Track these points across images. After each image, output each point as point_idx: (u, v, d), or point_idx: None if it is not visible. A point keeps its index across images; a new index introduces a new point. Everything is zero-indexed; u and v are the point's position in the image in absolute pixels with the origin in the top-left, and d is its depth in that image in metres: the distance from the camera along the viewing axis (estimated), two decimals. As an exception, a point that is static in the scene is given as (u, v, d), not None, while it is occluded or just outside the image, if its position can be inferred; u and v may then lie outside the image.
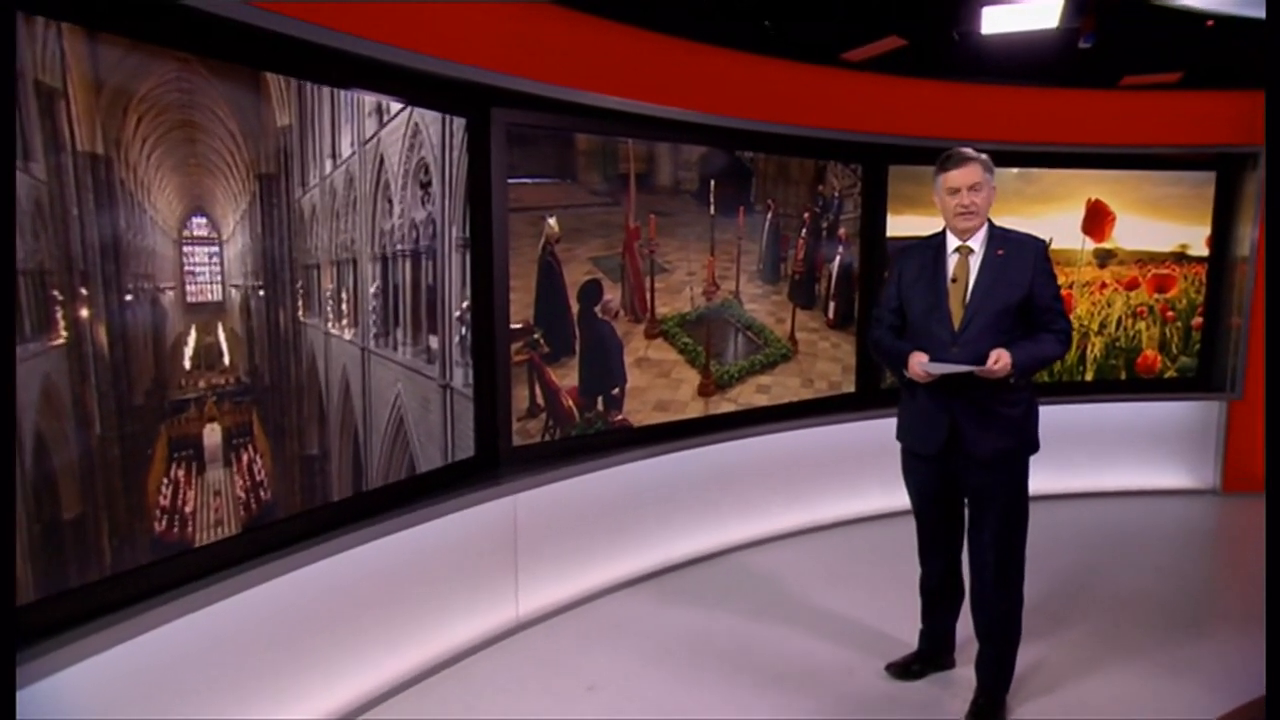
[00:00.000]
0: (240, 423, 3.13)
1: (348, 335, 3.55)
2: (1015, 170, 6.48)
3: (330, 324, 3.46)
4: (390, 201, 3.70)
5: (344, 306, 3.52)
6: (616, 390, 4.92)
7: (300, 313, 3.34)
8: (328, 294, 3.44)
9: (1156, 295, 6.78)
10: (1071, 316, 6.37)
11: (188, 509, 2.97)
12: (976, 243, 3.59)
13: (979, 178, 3.53)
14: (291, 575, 3.29)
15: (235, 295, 3.08)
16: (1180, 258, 6.77)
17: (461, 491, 4.06)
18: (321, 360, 3.44)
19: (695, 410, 5.31)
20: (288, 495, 3.35)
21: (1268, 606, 2.63)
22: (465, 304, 4.16)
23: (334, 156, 3.42)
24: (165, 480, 2.87)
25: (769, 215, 5.58)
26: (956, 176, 3.54)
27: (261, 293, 3.18)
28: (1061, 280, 6.47)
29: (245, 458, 3.16)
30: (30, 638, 2.57)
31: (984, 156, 3.57)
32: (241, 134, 3.06)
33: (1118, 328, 6.78)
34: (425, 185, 3.88)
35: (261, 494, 3.24)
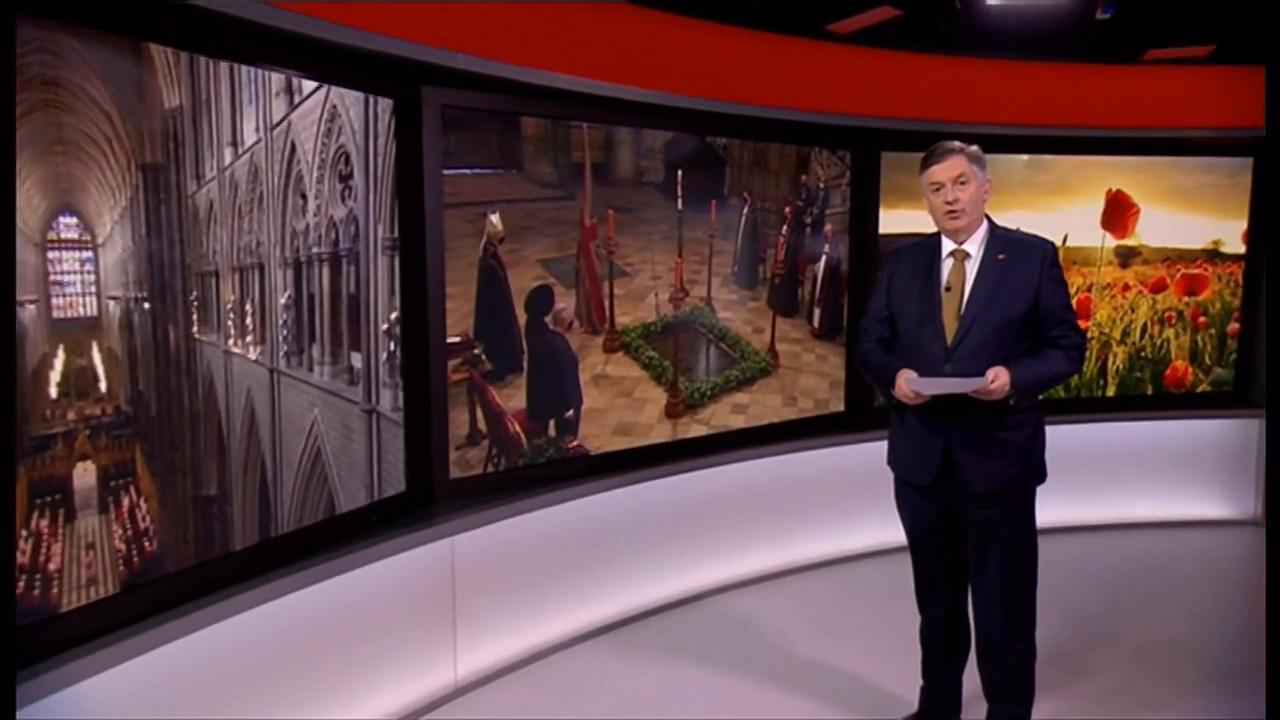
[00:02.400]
0: (120, 460, 3.05)
1: (253, 354, 3.50)
2: (1025, 157, 6.51)
3: (232, 341, 3.41)
4: (304, 197, 3.67)
5: (248, 320, 3.48)
6: (571, 412, 4.91)
7: (195, 329, 3.28)
8: (228, 306, 3.39)
9: (1187, 298, 6.80)
10: (1090, 323, 6.57)
11: (52, 566, 2.87)
12: (974, 245, 3.62)
13: (964, 169, 3.56)
14: (183, 641, 3.19)
15: (114, 309, 3.00)
16: (1213, 255, 6.79)
17: (390, 533, 4.02)
18: (221, 384, 3.39)
19: (662, 434, 5.31)
20: (179, 546, 3.27)
21: (1268, 614, 2.71)
22: (394, 315, 4.14)
23: (235, 144, 3.38)
24: (24, 532, 2.78)
25: (745, 210, 5.59)
26: (938, 171, 3.59)
27: (147, 305, 3.11)
28: (1079, 282, 6.59)
29: (126, 502, 3.07)
30: None
31: (971, 148, 3.61)
32: (120, 116, 2.99)
33: (1143, 336, 6.79)
34: (346, 177, 3.85)
35: (146, 545, 3.15)
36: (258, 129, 3.46)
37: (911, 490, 3.77)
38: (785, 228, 5.80)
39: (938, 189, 3.58)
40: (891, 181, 6.20)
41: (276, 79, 3.53)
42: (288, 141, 3.58)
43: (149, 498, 3.14)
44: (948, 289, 3.60)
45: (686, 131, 5.27)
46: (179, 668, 3.24)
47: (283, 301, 3.61)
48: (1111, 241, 6.66)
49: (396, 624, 4.15)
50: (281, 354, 3.61)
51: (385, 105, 4.02)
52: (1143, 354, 6.81)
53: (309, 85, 3.66)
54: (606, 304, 5.01)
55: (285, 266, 3.61)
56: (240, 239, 3.42)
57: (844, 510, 6.12)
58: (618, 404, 5.10)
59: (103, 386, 2.99)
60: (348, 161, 3.85)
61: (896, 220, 6.19)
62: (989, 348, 3.50)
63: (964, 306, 3.56)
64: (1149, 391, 6.85)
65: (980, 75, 6.25)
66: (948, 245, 3.64)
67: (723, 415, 5.61)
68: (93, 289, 2.94)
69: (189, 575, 3.30)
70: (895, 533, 4.01)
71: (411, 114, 4.16)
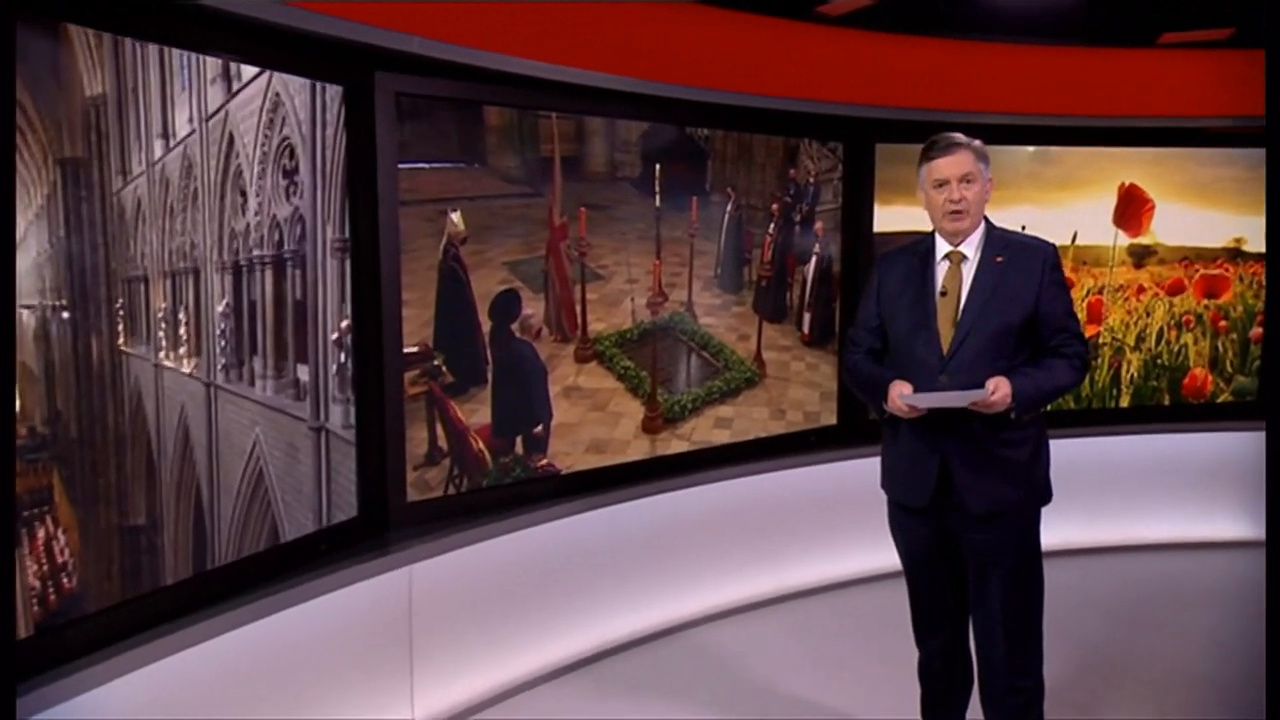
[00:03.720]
0: (35, 488, 2.99)
1: (187, 368, 3.46)
2: (1031, 149, 6.52)
3: (163, 354, 3.37)
4: (243, 194, 3.64)
5: (182, 330, 3.44)
6: (539, 428, 4.91)
7: (121, 340, 3.23)
8: (159, 315, 3.35)
9: (1206, 301, 6.81)
10: (1102, 328, 6.61)
11: (-43, 606, 2.79)
12: (970, 247, 3.62)
13: (971, 167, 3.55)
14: (106, 687, 3.11)
15: (29, 319, 2.94)
16: (1234, 254, 6.80)
17: (340, 563, 3.99)
18: (151, 401, 3.34)
19: (639, 451, 5.32)
20: (102, 582, 3.21)
21: (1268, 618, 2.81)
22: (345, 324, 4.12)
23: (166, 136, 3.34)
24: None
25: (729, 207, 5.60)
26: (943, 166, 3.56)
27: (66, 315, 3.06)
28: (1090, 284, 6.62)
29: (42, 534, 3.00)
30: None
31: (976, 142, 3.60)
32: (35, 104, 2.93)
33: (1159, 341, 6.80)
34: (290, 173, 3.83)
35: (64, 581, 3.09)
36: (191, 119, 3.42)
37: (906, 514, 3.76)
38: (772, 226, 5.81)
39: (941, 186, 3.56)
40: (887, 175, 6.18)
41: (212, 64, 3.49)
42: (225, 133, 3.55)
43: (68, 529, 3.08)
44: (943, 294, 3.59)
45: (665, 122, 5.27)
46: (110, 716, 3.17)
47: (220, 309, 3.57)
48: (1125, 240, 6.66)
49: (347, 663, 4.10)
50: (219, 367, 3.57)
51: (334, 93, 3.99)
52: (1159, 361, 6.81)
53: (249, 71, 3.62)
54: (578, 310, 5.00)
55: (223, 271, 3.57)
56: (172, 241, 3.37)
57: (837, 533, 6.09)
58: (591, 418, 5.08)
59: (15, 405, 2.91)
60: (292, 155, 3.83)
61: (892, 217, 6.18)
62: (987, 357, 3.49)
63: (960, 313, 3.55)
64: (1165, 402, 6.85)
65: (983, 60, 6.24)
66: (942, 247, 3.63)
67: (705, 430, 5.61)
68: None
69: (113, 614, 3.23)
70: (892, 557, 3.99)
71: (363, 103, 4.14)
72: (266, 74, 3.69)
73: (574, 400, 5.02)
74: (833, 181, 6.06)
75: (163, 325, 3.35)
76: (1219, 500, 6.88)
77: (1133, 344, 6.77)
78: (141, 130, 3.24)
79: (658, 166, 5.25)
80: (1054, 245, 3.64)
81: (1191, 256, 6.73)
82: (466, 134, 4.52)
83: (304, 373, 3.92)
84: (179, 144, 3.37)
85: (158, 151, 3.30)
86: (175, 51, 3.35)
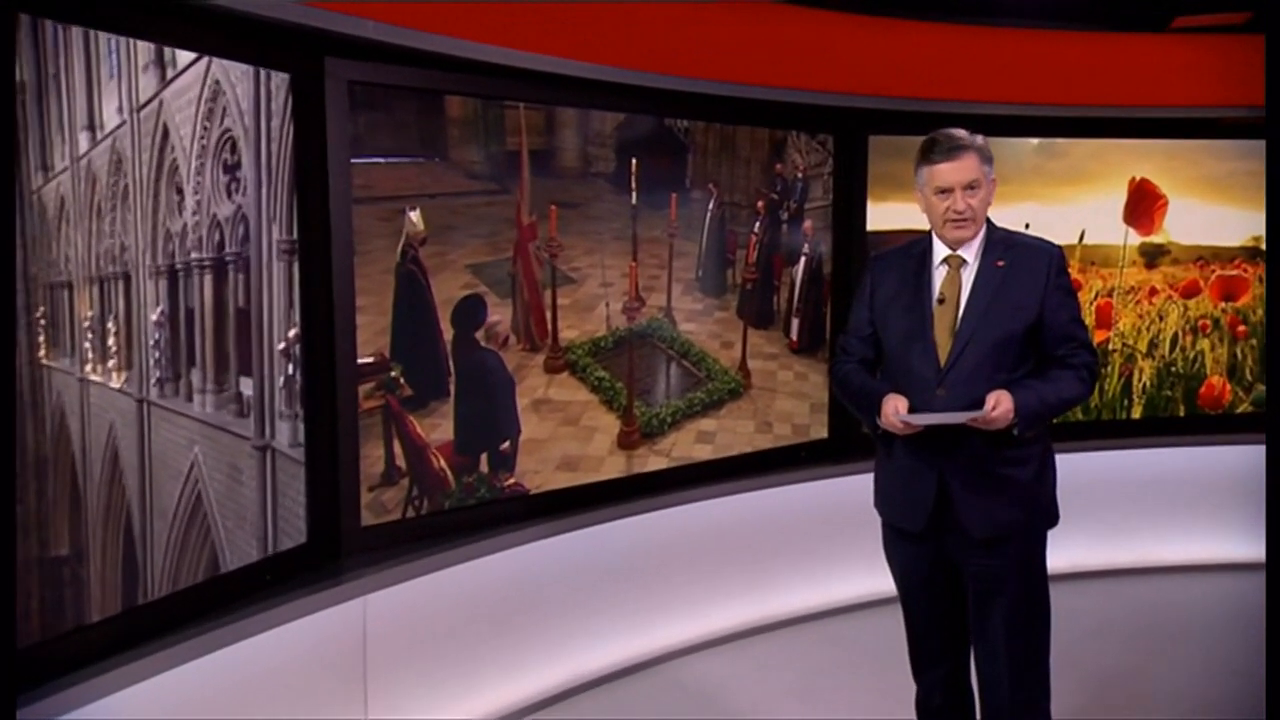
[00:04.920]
0: None
1: (117, 382, 3.42)
2: (1035, 141, 6.53)
3: (90, 367, 3.32)
4: (180, 191, 3.60)
5: (111, 341, 3.39)
6: (506, 444, 4.91)
7: (42, 352, 3.17)
8: (85, 324, 3.30)
9: (1223, 304, 6.82)
10: (1112, 333, 6.61)
11: None
12: (970, 251, 3.60)
13: (976, 173, 3.51)
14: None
15: None
16: (1254, 254, 6.82)
17: (288, 594, 3.96)
18: (76, 419, 3.29)
19: (614, 469, 5.33)
20: (19, 620, 3.12)
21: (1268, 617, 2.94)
22: (292, 332, 4.10)
23: (92, 128, 3.30)
24: None
25: (710, 204, 5.61)
26: (947, 171, 3.50)
27: None
28: (1098, 286, 6.62)
29: None
30: None
31: (980, 140, 3.55)
32: None
33: (1173, 348, 6.81)
34: (232, 168, 3.80)
35: None
36: (121, 110, 3.38)
37: (902, 537, 3.75)
38: (758, 225, 5.82)
39: (944, 193, 3.51)
40: (881, 169, 6.19)
41: (144, 49, 3.44)
42: (159, 124, 3.51)
43: (-18, 561, 3.04)
44: (940, 301, 3.57)
45: (641, 113, 5.29)
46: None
47: (154, 318, 3.53)
48: (1136, 239, 6.67)
49: (294, 705, 4.05)
50: (153, 381, 3.53)
51: (280, 81, 3.97)
52: (1173, 369, 6.82)
53: (185, 57, 3.57)
54: (548, 316, 5.00)
55: (157, 275, 3.54)
56: (100, 243, 3.33)
57: (828, 556, 6.10)
58: (562, 434, 5.09)
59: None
60: (234, 149, 3.80)
61: (886, 215, 6.20)
62: (987, 369, 3.48)
63: (959, 321, 3.53)
64: (1180, 413, 6.85)
65: (983, 46, 6.25)
66: (940, 250, 3.61)
67: (686, 445, 5.61)
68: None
69: (33, 655, 3.16)
70: (888, 582, 3.98)
71: (312, 92, 4.12)
72: (205, 60, 3.64)
73: (544, 414, 5.00)
74: (822, 177, 6.07)
75: (89, 336, 3.30)
76: (1238, 519, 6.83)
77: (1145, 350, 6.77)
78: (65, 121, 3.20)
79: (634, 161, 5.25)
80: (1060, 247, 3.63)
81: (1207, 256, 6.74)
82: (426, 126, 4.52)
83: (247, 386, 3.89)
84: (107, 137, 3.33)
85: (83, 145, 3.26)
86: (102, 35, 3.29)
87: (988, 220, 3.60)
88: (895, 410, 3.47)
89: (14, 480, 2.79)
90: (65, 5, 3.08)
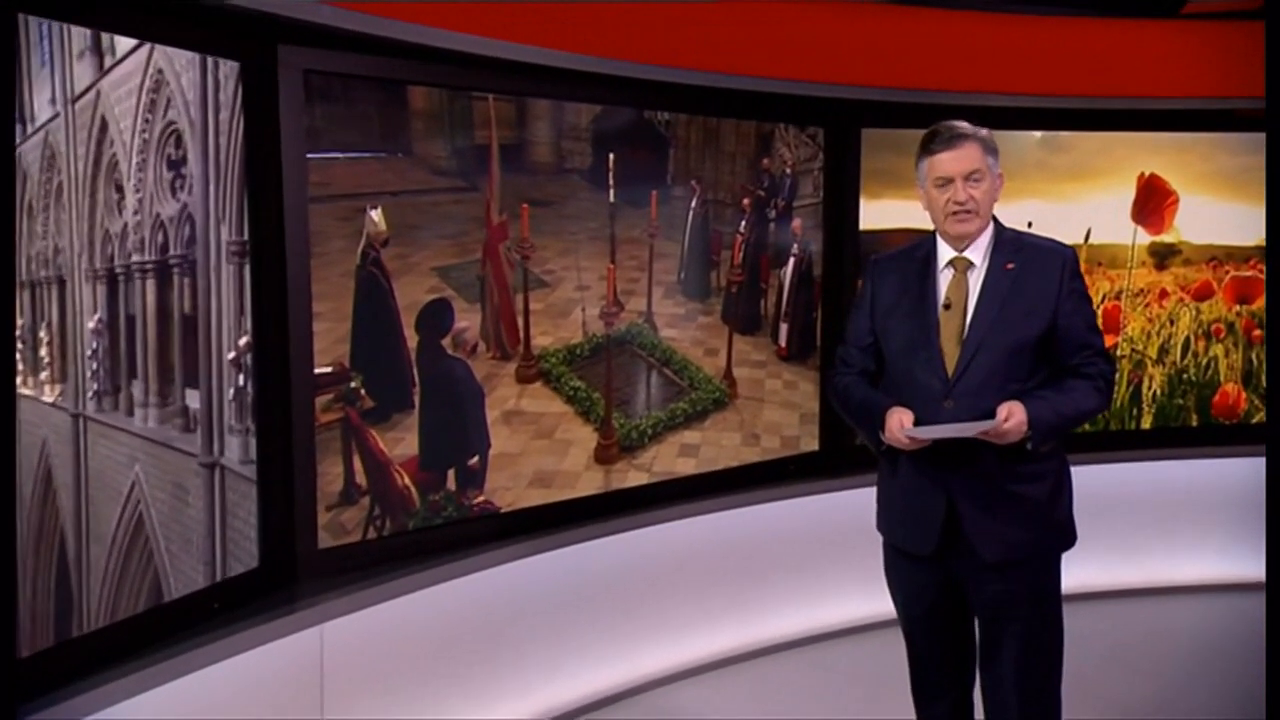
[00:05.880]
0: None
1: (50, 395, 3.36)
2: (1038, 135, 6.55)
3: (21, 379, 3.25)
4: (120, 189, 3.57)
5: (44, 351, 3.33)
6: (475, 459, 4.91)
7: None
8: (15, 333, 3.23)
9: (1238, 307, 6.84)
10: (1120, 338, 6.63)
11: None
12: (977, 252, 3.61)
13: (979, 163, 3.53)
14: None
15: None
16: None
17: (238, 623, 3.91)
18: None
19: (592, 485, 5.32)
20: None
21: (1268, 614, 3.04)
22: (244, 340, 4.07)
23: (23, 120, 3.22)
24: None
25: (693, 202, 5.62)
26: (947, 161, 3.53)
27: None
28: (1106, 288, 6.64)
29: None
30: None
31: (984, 132, 3.58)
32: None
33: (1185, 354, 6.82)
34: (177, 164, 3.76)
35: None
36: (54, 100, 3.32)
37: (906, 560, 3.75)
38: (743, 224, 5.83)
39: (944, 184, 3.52)
40: (874, 164, 6.21)
41: (79, 34, 3.38)
42: (96, 117, 3.46)
43: (-101, 592, 3.00)
44: (946, 307, 3.58)
45: (620, 105, 5.30)
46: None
47: (92, 325, 3.48)
48: (1145, 238, 6.68)
49: (246, 740, 4.05)
50: (90, 395, 3.48)
51: (229, 70, 3.93)
52: (1185, 376, 6.83)
53: (125, 43, 3.52)
54: (520, 322, 5.01)
55: (95, 280, 3.49)
56: (32, 245, 3.27)
57: (821, 576, 6.11)
58: (535, 448, 5.10)
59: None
60: (179, 143, 3.76)
61: (881, 213, 6.21)
62: (997, 379, 3.49)
63: (967, 329, 3.54)
64: (1193, 422, 6.86)
65: (983, 33, 6.26)
66: (945, 252, 3.62)
67: (667, 459, 5.63)
68: None
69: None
70: (885, 604, 4.00)
71: (264, 82, 4.09)
72: (147, 47, 3.60)
73: (515, 427, 5.00)
74: (812, 172, 6.07)
75: (20, 345, 3.24)
76: (1256, 535, 6.76)
77: (1155, 356, 6.78)
78: (-9, 113, 3.17)
79: (612, 156, 5.26)
80: (1073, 249, 3.63)
81: (1221, 256, 6.75)
82: (388, 118, 4.52)
83: (194, 399, 3.85)
84: (39, 130, 3.27)
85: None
86: (32, 19, 3.24)
87: (996, 220, 3.60)
88: (900, 424, 3.46)
89: (14, 481, 2.85)
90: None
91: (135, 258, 3.61)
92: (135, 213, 3.60)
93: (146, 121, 3.62)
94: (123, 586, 3.60)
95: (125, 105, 3.54)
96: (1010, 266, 3.54)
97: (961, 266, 3.57)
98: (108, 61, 3.47)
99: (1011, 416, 3.36)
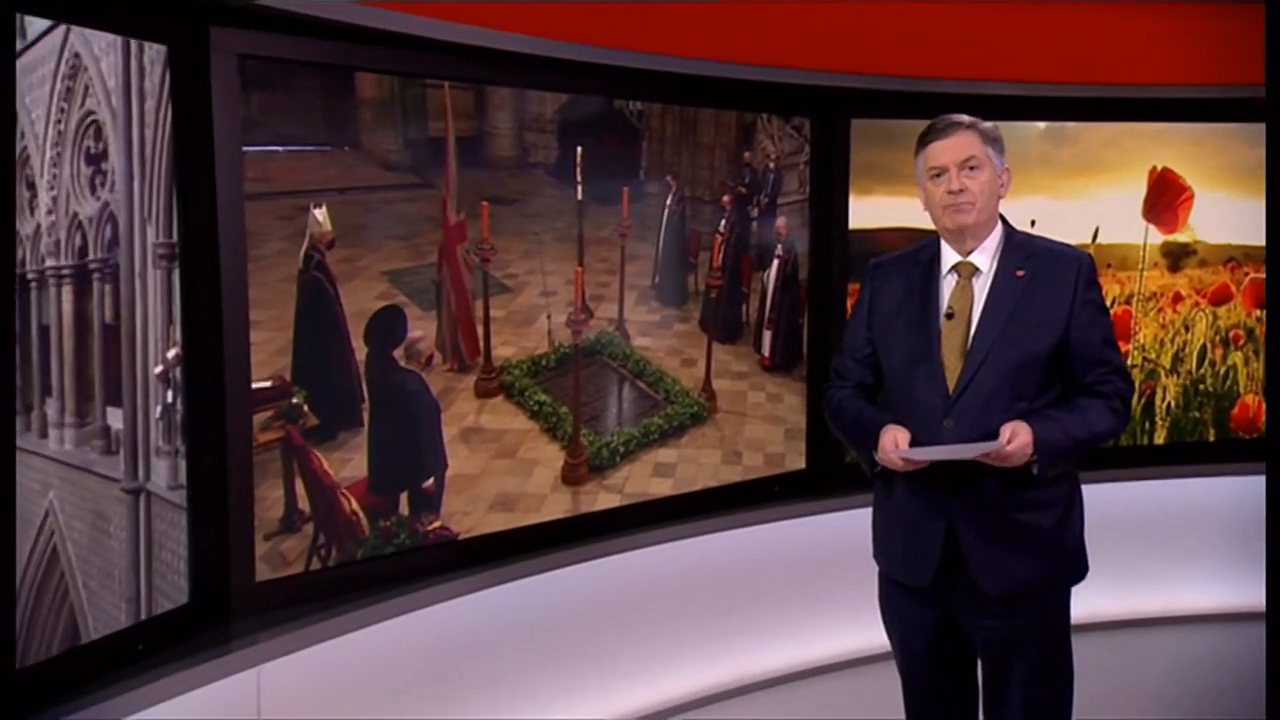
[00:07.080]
0: None
1: None
2: (1041, 126, 6.54)
3: None
4: (31, 186, 3.47)
5: None
6: (430, 481, 4.86)
7: None
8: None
9: (1258, 312, 6.84)
10: (1131, 346, 6.61)
11: None
12: (984, 257, 3.64)
13: (975, 150, 3.57)
14: None
15: None
16: None
17: (165, 666, 3.82)
18: None
19: (558, 508, 5.29)
20: None
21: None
22: (173, 353, 4.00)
23: None
24: None
25: (669, 199, 5.62)
26: (940, 150, 3.58)
27: None
28: (1115, 291, 6.60)
29: None
30: None
31: (986, 124, 3.63)
32: None
33: (1201, 363, 6.80)
34: (97, 158, 3.69)
35: None
36: None
37: (902, 593, 3.77)
38: (723, 223, 5.82)
39: (938, 174, 3.55)
40: (865, 158, 6.19)
41: None
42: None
43: None
44: (949, 316, 3.58)
45: (588, 93, 5.29)
46: None
47: None
48: (1157, 237, 6.67)
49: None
50: None
51: (155, 54, 3.85)
52: (1202, 387, 6.82)
53: (37, 24, 3.45)
54: (480, 331, 4.99)
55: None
56: None
57: (808, 605, 6.10)
58: (496, 468, 5.05)
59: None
60: (99, 135, 3.69)
61: (872, 210, 6.20)
62: (1003, 397, 3.50)
63: (971, 340, 3.55)
64: (1211, 437, 6.85)
65: (981, 17, 6.25)
66: (950, 256, 3.62)
67: (641, 479, 5.61)
68: None
69: None
70: (878, 635, 4.04)
71: (194, 67, 4.01)
72: (61, 29, 3.55)
73: (475, 445, 4.96)
74: (798, 167, 6.08)
75: None
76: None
77: (1169, 366, 6.78)
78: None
79: (579, 149, 5.24)
80: (1089, 255, 3.63)
81: (1239, 257, 6.74)
82: (333, 108, 4.45)
83: (116, 419, 3.78)
84: None
85: (-93, 131, 3.19)
86: None
87: (1005, 222, 3.61)
88: (894, 443, 3.45)
89: (14, 485, 2.96)
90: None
91: (49, 262, 3.54)
92: (49, 212, 3.53)
93: (62, 112, 3.55)
94: (34, 628, 3.52)
95: (37, 94, 3.47)
96: (1020, 273, 3.55)
97: (966, 272, 3.58)
98: (18, 45, 3.39)
99: (1015, 438, 3.36)
